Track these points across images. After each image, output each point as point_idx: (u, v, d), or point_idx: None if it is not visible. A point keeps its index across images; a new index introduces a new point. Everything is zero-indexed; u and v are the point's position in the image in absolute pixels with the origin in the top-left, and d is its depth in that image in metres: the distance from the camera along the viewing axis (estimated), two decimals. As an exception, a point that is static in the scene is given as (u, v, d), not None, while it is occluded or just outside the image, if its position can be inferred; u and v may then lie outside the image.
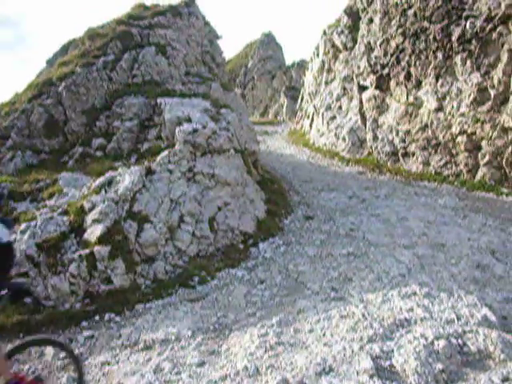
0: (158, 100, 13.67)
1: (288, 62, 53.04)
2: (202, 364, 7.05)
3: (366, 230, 12.12)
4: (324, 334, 7.39)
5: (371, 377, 6.08)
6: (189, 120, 12.37)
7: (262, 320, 8.07)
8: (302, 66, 45.92)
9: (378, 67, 19.84)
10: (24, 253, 9.19)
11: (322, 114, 24.38)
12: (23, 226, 9.72)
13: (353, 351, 6.75)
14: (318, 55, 27.68)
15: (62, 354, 7.68)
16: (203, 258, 10.43)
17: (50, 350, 7.87)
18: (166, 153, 11.40)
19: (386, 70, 19.38)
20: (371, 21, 21.14)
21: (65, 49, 26.40)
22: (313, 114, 26.50)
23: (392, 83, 19.08)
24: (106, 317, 8.76)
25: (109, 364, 7.40)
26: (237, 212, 11.50)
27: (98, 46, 16.52)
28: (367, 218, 13.19)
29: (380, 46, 19.93)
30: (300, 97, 32.50)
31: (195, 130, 11.83)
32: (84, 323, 8.63)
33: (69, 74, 14.95)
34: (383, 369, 6.30)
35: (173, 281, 9.68)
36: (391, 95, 19.23)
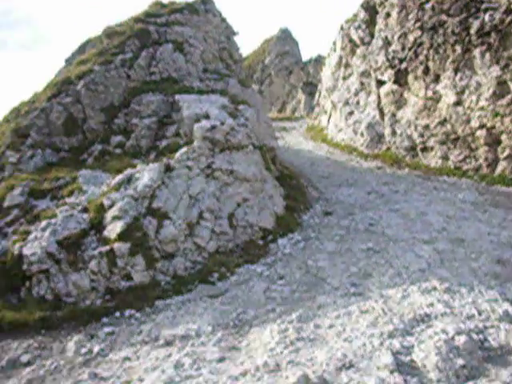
0: (176, 97, 13.72)
1: (304, 57, 52.87)
2: (222, 360, 7.08)
3: (386, 225, 12.08)
4: (344, 330, 7.40)
5: (392, 372, 6.07)
6: (207, 117, 12.40)
7: (282, 316, 8.08)
8: (319, 61, 45.72)
9: (396, 62, 19.72)
10: (45, 250, 9.28)
11: (340, 110, 24.27)
12: (44, 223, 9.82)
13: (373, 346, 6.75)
14: (335, 50, 27.52)
15: (84, 350, 7.77)
16: (222, 254, 10.46)
17: (71, 346, 7.94)
18: (184, 149, 11.44)
19: (403, 65, 19.25)
20: (388, 15, 20.99)
21: (82, 48, 26.54)
22: (330, 110, 26.37)
23: (410, 77, 18.95)
24: (127, 313, 8.83)
25: (129, 360, 7.46)
26: (256, 208, 11.51)
27: (116, 44, 16.57)
28: (386, 213, 13.13)
29: (398, 40, 19.79)
30: (317, 92, 32.37)
31: (213, 127, 11.85)
32: (105, 319, 8.71)
33: (87, 72, 15.02)
34: (404, 364, 6.29)
35: (192, 277, 9.73)
36: (409, 90, 19.10)
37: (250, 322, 8.14)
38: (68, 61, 28.76)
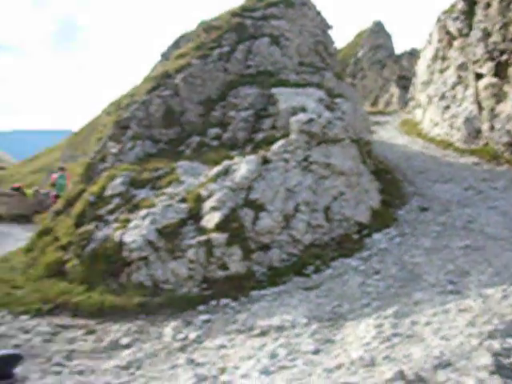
0: (273, 90, 13.77)
1: (398, 51, 51.90)
2: (317, 352, 7.05)
3: (484, 223, 11.68)
4: (441, 328, 7.20)
5: (491, 374, 5.85)
6: (303, 110, 12.38)
7: (378, 311, 7.97)
8: (413, 54, 44.71)
9: (496, 54, 19.00)
10: (145, 238, 9.56)
11: (436, 104, 23.68)
12: (143, 212, 10.11)
13: (471, 346, 6.54)
14: (431, 43, 26.83)
15: (180, 336, 7.96)
16: (318, 247, 10.43)
17: (168, 331, 8.15)
18: (281, 142, 11.48)
19: (504, 57, 18.52)
20: (489, 5, 20.24)
21: (177, 42, 27.12)
22: (426, 104, 25.79)
23: (511, 70, 18.23)
24: (222, 302, 8.96)
25: (225, 347, 7.56)
26: (352, 202, 11.42)
27: (213, 38, 16.80)
28: (485, 210, 12.71)
29: (498, 31, 19.07)
30: (411, 86, 31.70)
31: (310, 120, 11.83)
32: (201, 307, 8.87)
33: (185, 66, 15.31)
34: (504, 367, 6.06)
35: (287, 269, 9.76)
36: (510, 83, 18.38)
37: (344, 316, 8.07)
38: (164, 55, 29.48)
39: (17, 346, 7.98)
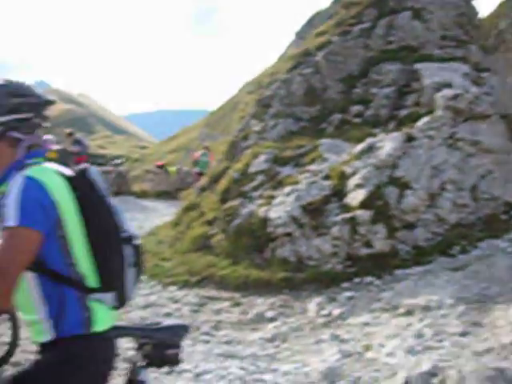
0: (416, 65, 13.40)
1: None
2: (464, 334, 6.85)
3: None
4: None
5: None
6: (449, 85, 11.95)
7: (529, 295, 7.63)
8: None
9: None
10: (289, 214, 9.69)
11: None
12: (288, 189, 10.24)
13: None
14: None
15: (324, 312, 8.03)
16: (464, 227, 10.08)
17: (312, 307, 8.25)
18: (425, 119, 11.17)
19: None
20: None
21: (311, 21, 27.03)
22: None
23: None
24: (366, 279, 8.92)
25: (369, 325, 7.54)
26: (500, 181, 10.92)
27: (353, 14, 16.57)
28: None
29: None
30: None
31: (456, 95, 11.40)
32: (345, 284, 8.89)
33: (325, 43, 15.26)
34: None
35: (432, 248, 9.53)
36: None
37: (493, 299, 7.77)
38: (298, 34, 29.53)
39: (168, 314, 8.40)
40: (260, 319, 8.22)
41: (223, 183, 11.82)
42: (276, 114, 13.54)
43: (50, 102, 2.89)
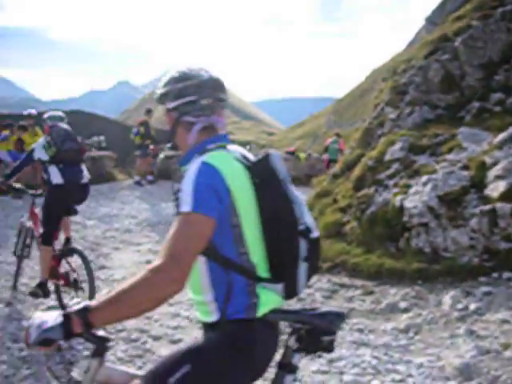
0: None
1: None
2: None
3: None
4: None
5: None
6: None
7: None
8: None
9: None
10: (425, 204, 9.50)
11: None
12: (424, 178, 10.03)
13: None
14: None
15: (460, 306, 7.83)
16: None
17: (447, 300, 8.07)
18: None
19: None
20: None
21: (443, 5, 26.00)
22: None
23: None
24: (506, 275, 8.57)
25: (508, 322, 7.27)
26: None
27: (495, -4, 15.86)
28: None
29: None
30: None
31: None
32: (482, 278, 8.59)
33: (464, 28, 14.69)
34: None
35: None
36: None
37: None
38: (428, 19, 28.54)
39: (300, 299, 8.51)
40: (393, 309, 8.16)
41: (357, 171, 11.75)
42: (412, 102, 13.24)
43: (216, 82, 2.90)
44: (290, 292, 2.88)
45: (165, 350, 6.76)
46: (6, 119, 19.36)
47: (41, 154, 7.64)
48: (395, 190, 10.35)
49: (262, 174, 2.81)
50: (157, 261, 2.47)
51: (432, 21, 26.52)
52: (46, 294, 7.86)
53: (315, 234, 2.86)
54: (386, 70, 22.08)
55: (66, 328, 2.43)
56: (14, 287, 8.77)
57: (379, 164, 11.31)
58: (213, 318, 2.81)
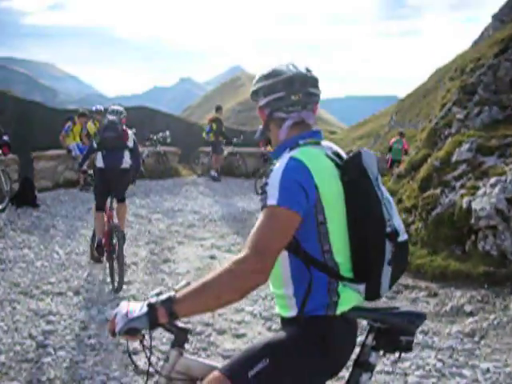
0: None
1: None
2: None
3: None
4: None
5: None
6: None
7: None
8: None
9: None
10: (493, 206, 9.30)
11: None
12: (493, 180, 9.81)
13: None
14: None
15: None
16: None
17: (516, 305, 7.90)
18: None
19: None
20: None
21: (511, 2, 25.31)
22: None
23: None
24: None
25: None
26: None
27: None
28: None
29: None
30: None
31: None
32: None
33: (535, 26, 14.35)
34: None
35: None
36: None
37: None
38: (496, 17, 27.78)
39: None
40: (458, 312, 8.04)
41: (423, 171, 11.59)
42: (480, 102, 12.94)
43: (305, 77, 2.88)
44: (372, 294, 2.86)
45: (228, 344, 6.87)
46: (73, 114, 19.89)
47: (94, 143, 9.35)
48: (462, 191, 10.16)
49: (352, 172, 2.78)
50: (241, 253, 2.51)
51: (499, 18, 25.79)
52: (101, 254, 9.38)
53: (403, 237, 2.82)
54: (450, 70, 21.59)
55: (152, 318, 2.50)
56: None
57: (446, 165, 11.12)
58: (291, 312, 2.83)
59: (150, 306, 2.54)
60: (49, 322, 7.38)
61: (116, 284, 8.61)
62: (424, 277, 9.31)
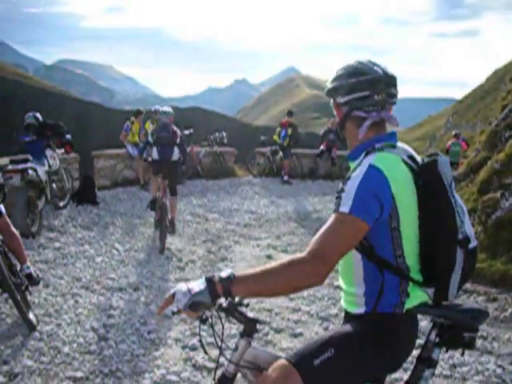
0: None
1: None
2: None
3: None
4: None
5: None
6: None
7: None
8: None
9: None
10: None
11: None
12: None
13: None
14: None
15: None
16: None
17: None
18: None
19: None
20: None
21: None
22: None
23: None
24: None
25: None
26: None
27: None
28: None
29: None
30: None
31: None
32: None
33: None
34: None
35: None
36: None
37: None
38: None
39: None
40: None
41: (483, 174, 11.37)
42: None
43: (389, 78, 2.88)
44: (440, 298, 2.89)
45: (286, 343, 6.91)
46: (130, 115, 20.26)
47: (150, 139, 11.79)
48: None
49: (428, 177, 2.79)
50: (304, 252, 2.57)
51: None
52: (153, 208, 11.78)
53: (473, 243, 2.84)
54: (511, 71, 21.11)
55: (212, 291, 2.58)
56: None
57: (506, 167, 10.87)
58: (359, 310, 2.91)
59: (209, 280, 2.63)
60: (110, 316, 7.54)
61: (160, 246, 10.90)
62: (483, 281, 9.14)
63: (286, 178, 21.39)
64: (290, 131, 21.57)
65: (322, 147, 22.93)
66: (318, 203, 17.20)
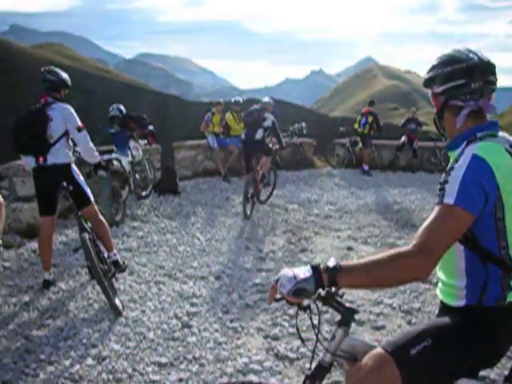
0: None
1: None
2: None
3: None
4: None
5: None
6: None
7: None
8: None
9: None
10: None
11: None
12: None
13: None
14: None
15: None
16: None
17: None
18: None
19: None
20: None
21: None
22: None
23: None
24: None
25: None
26: None
27: None
28: None
29: None
30: None
31: None
32: None
33: None
34: None
35: None
36: None
37: None
38: None
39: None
40: None
41: None
42: None
43: (486, 65, 2.80)
44: None
45: (368, 336, 6.80)
46: (210, 106, 20.46)
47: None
48: None
49: None
50: (410, 245, 2.53)
51: None
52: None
53: None
54: None
55: (318, 280, 2.58)
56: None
57: None
58: (459, 302, 2.84)
59: (315, 268, 2.63)
60: (192, 304, 7.64)
61: (248, 212, 12.95)
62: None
63: (366, 167, 21.14)
64: (370, 119, 21.34)
65: (403, 139, 22.52)
66: (398, 195, 16.88)
